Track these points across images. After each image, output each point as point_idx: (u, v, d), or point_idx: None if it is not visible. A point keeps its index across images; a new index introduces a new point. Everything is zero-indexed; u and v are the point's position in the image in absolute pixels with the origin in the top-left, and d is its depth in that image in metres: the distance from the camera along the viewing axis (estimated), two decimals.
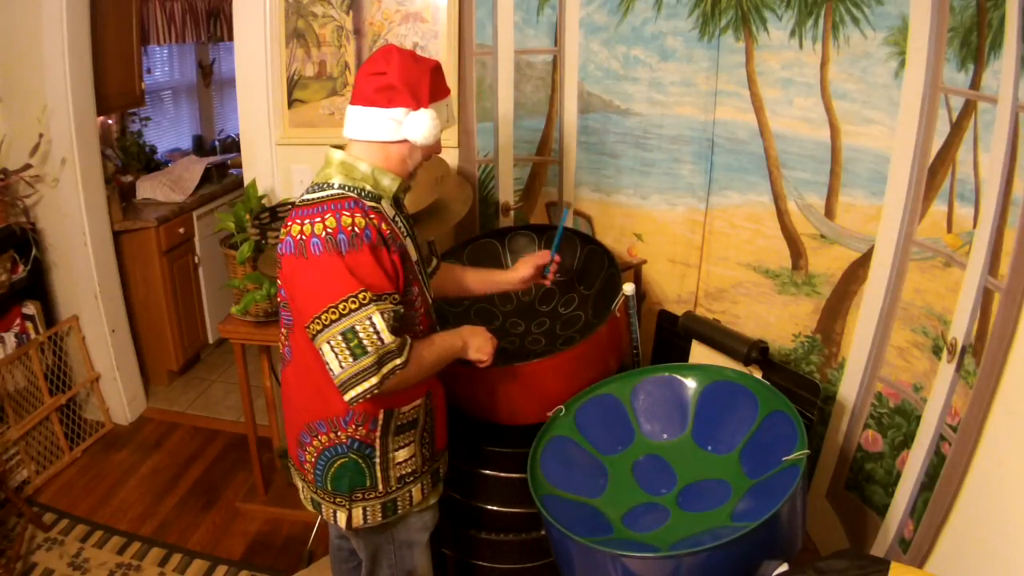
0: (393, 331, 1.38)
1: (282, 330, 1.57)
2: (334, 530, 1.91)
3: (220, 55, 4.79)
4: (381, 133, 1.44)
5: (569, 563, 1.52)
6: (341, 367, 1.36)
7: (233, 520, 2.75)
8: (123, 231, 3.34)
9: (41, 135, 2.85)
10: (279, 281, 1.50)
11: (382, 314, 1.36)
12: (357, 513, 1.58)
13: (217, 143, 4.69)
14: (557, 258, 1.92)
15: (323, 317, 1.35)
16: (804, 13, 1.96)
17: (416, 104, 1.42)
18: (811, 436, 1.61)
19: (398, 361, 1.39)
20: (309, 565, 2.43)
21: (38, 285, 3.06)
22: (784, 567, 1.35)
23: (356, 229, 1.36)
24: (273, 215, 2.49)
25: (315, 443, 1.55)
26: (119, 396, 3.33)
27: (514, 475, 1.90)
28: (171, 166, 3.97)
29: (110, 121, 3.81)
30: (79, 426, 3.19)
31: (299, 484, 1.69)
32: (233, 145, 4.58)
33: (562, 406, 1.80)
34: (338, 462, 1.54)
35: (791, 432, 1.57)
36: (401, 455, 1.58)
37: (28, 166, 2.87)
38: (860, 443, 2.10)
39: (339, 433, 1.51)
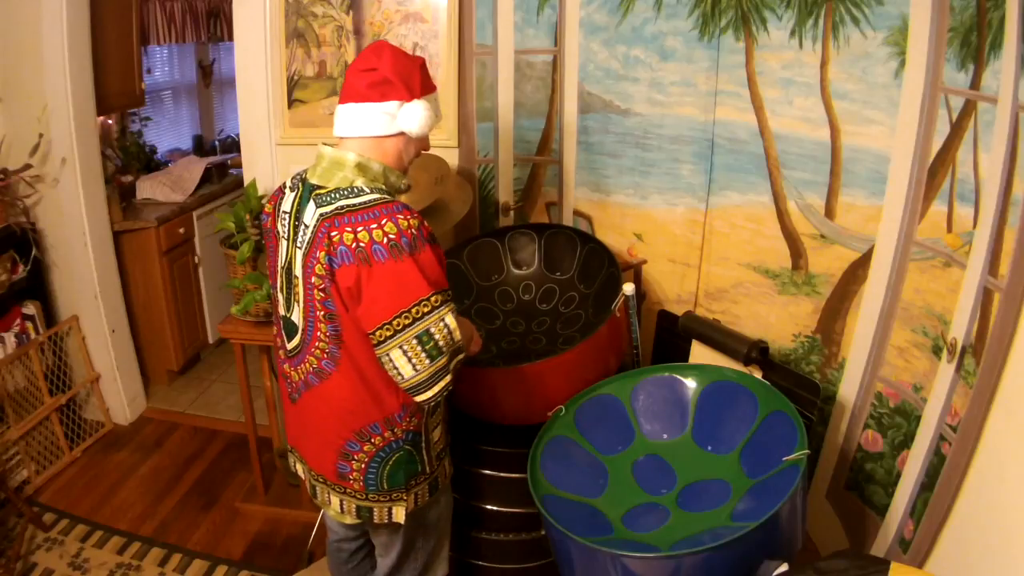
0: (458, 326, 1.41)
1: (317, 343, 1.47)
2: (335, 533, 1.89)
3: (220, 55, 4.79)
4: (376, 128, 1.45)
5: (569, 563, 1.52)
6: (415, 370, 1.37)
7: (233, 520, 2.75)
8: (123, 231, 3.34)
9: (41, 135, 2.85)
10: (317, 293, 1.42)
11: (452, 313, 1.39)
12: (411, 500, 1.60)
13: (217, 143, 4.69)
14: None
15: (394, 323, 1.35)
16: (804, 13, 1.96)
17: (409, 95, 1.44)
18: (811, 436, 1.62)
19: (462, 355, 1.44)
20: (309, 565, 2.43)
21: (38, 285, 3.06)
22: (784, 567, 1.35)
23: (414, 231, 1.36)
24: None
25: (366, 448, 1.52)
26: (119, 396, 3.33)
27: (514, 475, 1.90)
28: (171, 166, 3.97)
29: (110, 121, 3.81)
30: (79, 426, 3.19)
31: (334, 500, 1.60)
32: (233, 145, 4.58)
33: (562, 406, 1.80)
34: (394, 458, 1.54)
35: (791, 432, 1.57)
36: (436, 434, 1.63)
37: (28, 166, 2.87)
38: (860, 443, 2.10)
39: (395, 429, 1.52)
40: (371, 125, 1.45)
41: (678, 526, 1.58)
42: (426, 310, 1.35)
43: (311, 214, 1.43)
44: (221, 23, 4.52)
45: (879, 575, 1.24)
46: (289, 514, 2.72)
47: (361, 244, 1.34)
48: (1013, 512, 1.44)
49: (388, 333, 1.35)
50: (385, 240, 1.34)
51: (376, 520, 1.60)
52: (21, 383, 2.95)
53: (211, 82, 4.78)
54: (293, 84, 2.55)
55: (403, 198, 2.25)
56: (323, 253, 1.38)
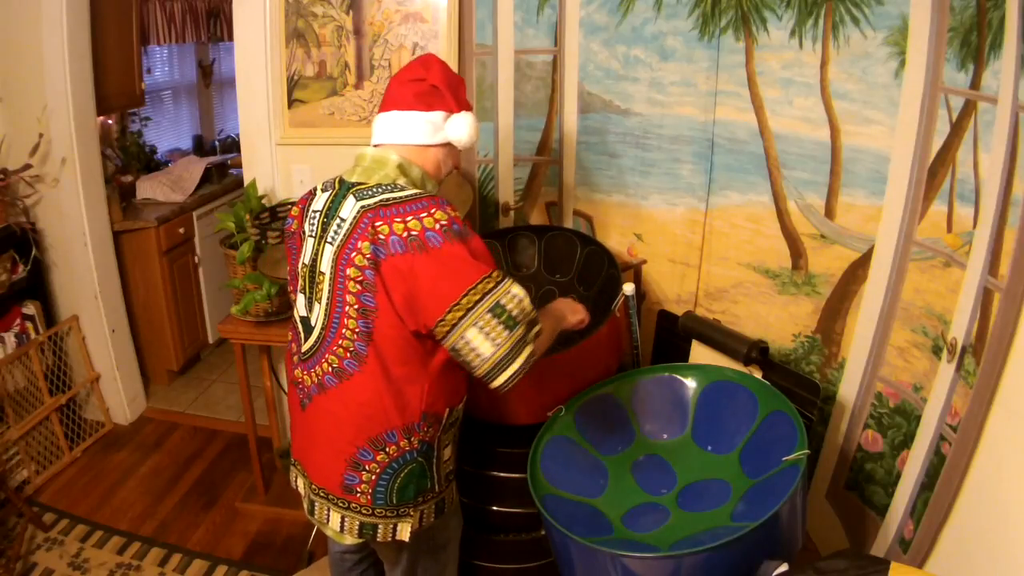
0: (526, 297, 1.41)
1: (341, 341, 1.44)
2: (338, 544, 1.82)
3: (220, 55, 4.79)
4: (420, 136, 1.48)
5: (569, 563, 1.52)
6: (496, 344, 1.35)
7: (233, 520, 2.75)
8: (123, 231, 3.34)
9: (41, 135, 2.85)
10: (353, 285, 1.40)
11: (516, 284, 1.38)
12: (417, 517, 1.55)
13: (217, 143, 4.69)
14: None
15: (463, 301, 1.34)
16: (804, 13, 1.96)
17: (457, 107, 1.49)
18: (811, 436, 1.62)
19: (538, 327, 1.41)
20: (309, 565, 2.43)
21: (38, 285, 3.06)
22: (784, 567, 1.35)
23: (459, 219, 1.39)
24: (273, 215, 2.49)
25: (379, 457, 1.47)
26: (119, 396, 3.33)
27: (514, 475, 1.90)
28: (171, 166, 3.97)
29: (110, 121, 3.81)
30: (79, 426, 3.19)
31: (335, 516, 1.54)
32: (233, 145, 4.58)
33: (562, 406, 1.80)
34: (406, 470, 1.50)
35: (791, 432, 1.57)
36: (447, 453, 1.59)
37: (28, 166, 2.87)
38: (860, 443, 2.10)
39: (412, 438, 1.48)
40: (415, 133, 1.48)
41: (678, 526, 1.58)
42: (491, 286, 1.35)
43: (349, 208, 1.43)
44: (221, 23, 4.52)
45: (879, 575, 1.24)
46: (289, 514, 2.72)
47: (413, 232, 1.35)
48: (1013, 512, 1.44)
49: (460, 313, 1.34)
50: (437, 226, 1.35)
51: (380, 538, 1.53)
52: (21, 383, 2.95)
53: (211, 82, 4.79)
54: (293, 84, 2.55)
55: None
56: (367, 243, 1.37)
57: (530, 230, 2.36)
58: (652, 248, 2.45)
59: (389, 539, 1.53)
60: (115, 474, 3.01)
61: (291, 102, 2.57)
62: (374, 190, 1.42)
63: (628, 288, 1.98)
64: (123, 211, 3.36)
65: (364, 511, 1.51)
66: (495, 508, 1.96)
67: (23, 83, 2.84)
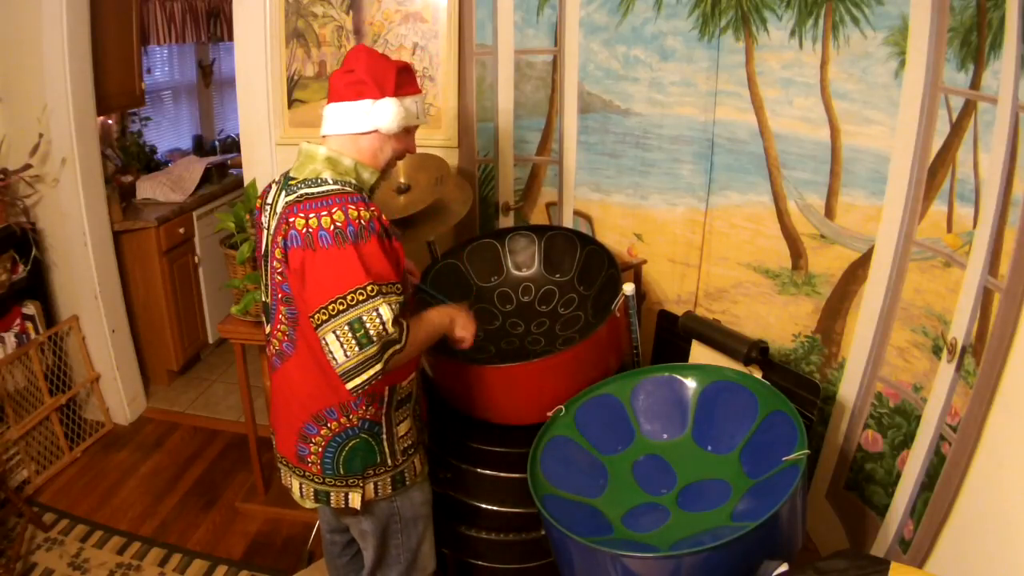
0: (396, 321, 1.43)
1: (279, 326, 1.58)
2: (328, 524, 1.93)
3: (220, 55, 4.79)
4: (351, 125, 1.53)
5: (569, 563, 1.53)
6: (346, 356, 1.39)
7: (233, 520, 2.75)
8: (123, 231, 3.34)
9: (41, 135, 2.85)
10: (277, 276, 1.52)
11: (389, 305, 1.40)
12: (369, 488, 1.63)
13: (217, 143, 4.69)
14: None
15: (330, 308, 1.39)
16: (804, 13, 1.96)
17: (381, 94, 1.52)
18: (811, 436, 1.62)
19: (397, 346, 1.44)
20: (309, 565, 2.43)
21: (38, 285, 3.06)
22: (784, 567, 1.35)
23: (363, 221, 1.41)
24: None
25: (323, 432, 1.57)
26: (119, 396, 3.33)
27: (514, 475, 1.90)
28: (171, 166, 3.97)
29: (110, 121, 3.81)
30: (79, 426, 3.19)
31: (295, 483, 1.68)
32: (233, 145, 4.58)
33: (562, 406, 1.80)
34: (349, 444, 1.58)
35: (791, 432, 1.57)
36: (402, 428, 1.65)
37: (28, 166, 2.87)
38: (860, 443, 2.10)
39: (351, 416, 1.56)
40: (347, 123, 1.53)
41: (678, 526, 1.58)
42: (361, 298, 1.38)
43: (280, 202, 1.51)
44: (221, 23, 4.52)
45: (879, 575, 1.24)
46: (289, 514, 2.72)
47: (310, 229, 1.40)
48: (1013, 512, 1.44)
49: (324, 317, 1.39)
50: (332, 227, 1.39)
51: (333, 504, 1.63)
52: (21, 383, 2.95)
53: (211, 82, 4.79)
54: (293, 84, 2.55)
55: (402, 199, 2.26)
56: (281, 237, 1.46)
57: (530, 230, 2.36)
58: (652, 248, 2.45)
59: (343, 506, 1.64)
60: (115, 474, 3.01)
61: (291, 102, 2.57)
62: (299, 185, 1.49)
63: (628, 288, 1.98)
64: (123, 211, 3.36)
65: (316, 479, 1.63)
66: (495, 508, 1.96)
67: (23, 83, 2.84)
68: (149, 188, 3.61)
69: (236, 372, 2.69)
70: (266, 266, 1.59)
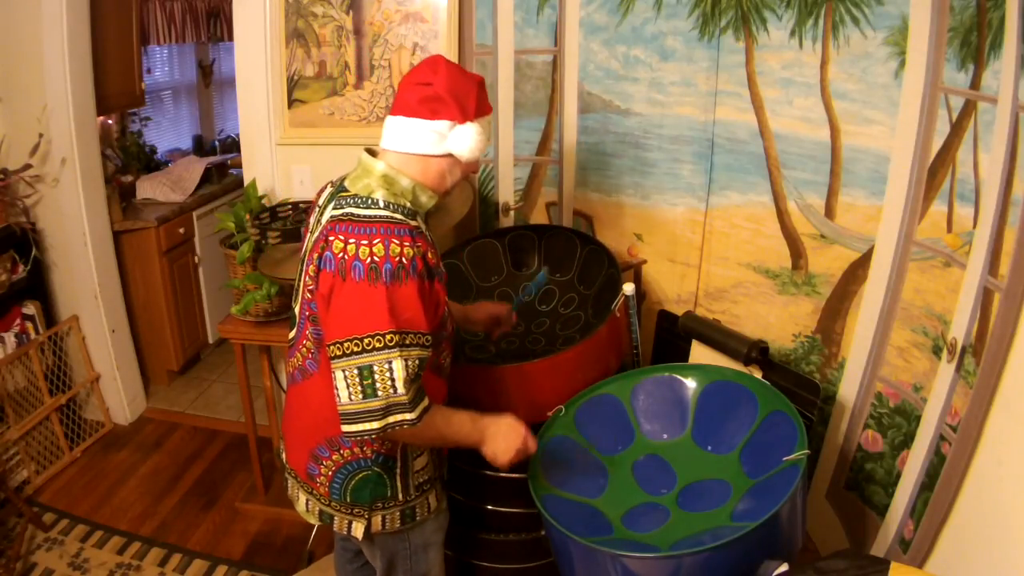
0: (413, 380, 1.32)
1: (304, 341, 1.47)
2: (339, 534, 1.89)
3: (220, 55, 4.79)
4: (423, 146, 1.39)
5: (569, 563, 1.52)
6: (349, 399, 1.32)
7: (233, 520, 2.75)
8: (123, 231, 3.34)
9: (41, 135, 2.85)
10: (307, 293, 1.41)
11: (405, 361, 1.30)
12: (376, 521, 1.55)
13: (217, 143, 4.69)
14: (514, 318, 1.91)
15: (345, 345, 1.30)
16: (804, 13, 1.96)
17: (463, 117, 1.37)
18: (811, 436, 1.61)
19: (407, 416, 1.33)
20: (309, 565, 2.43)
21: (38, 285, 3.06)
22: (784, 567, 1.35)
23: (404, 260, 1.30)
24: (273, 215, 2.49)
25: (335, 457, 1.49)
26: (119, 396, 3.33)
27: (514, 475, 1.90)
28: (171, 166, 3.97)
29: (110, 121, 3.81)
30: (79, 426, 3.19)
31: (301, 497, 1.61)
32: (233, 145, 4.58)
33: (562, 406, 1.80)
34: (360, 475, 1.50)
35: (791, 432, 1.57)
36: (419, 463, 1.56)
37: (28, 166, 2.87)
38: (860, 443, 2.10)
39: (365, 448, 1.47)
40: (418, 142, 1.39)
41: (678, 526, 1.58)
42: (378, 345, 1.28)
43: (327, 213, 1.41)
44: (221, 23, 4.52)
45: (879, 575, 1.24)
46: (289, 514, 2.71)
47: (347, 256, 1.30)
48: (1013, 512, 1.44)
49: (337, 352, 1.31)
50: (368, 260, 1.29)
51: (336, 528, 1.56)
52: (21, 383, 2.95)
53: (211, 82, 4.79)
54: (293, 84, 2.55)
55: None
56: (316, 255, 1.36)
57: (530, 230, 2.36)
58: (652, 248, 2.45)
59: (345, 532, 1.56)
60: (115, 474, 3.01)
61: (291, 102, 2.57)
62: (348, 200, 1.38)
63: (628, 288, 1.98)
64: (123, 211, 3.36)
65: (323, 500, 1.56)
66: (495, 508, 1.96)
67: (23, 83, 2.84)
68: (149, 188, 3.61)
69: (236, 372, 2.69)
70: (300, 271, 1.49)
